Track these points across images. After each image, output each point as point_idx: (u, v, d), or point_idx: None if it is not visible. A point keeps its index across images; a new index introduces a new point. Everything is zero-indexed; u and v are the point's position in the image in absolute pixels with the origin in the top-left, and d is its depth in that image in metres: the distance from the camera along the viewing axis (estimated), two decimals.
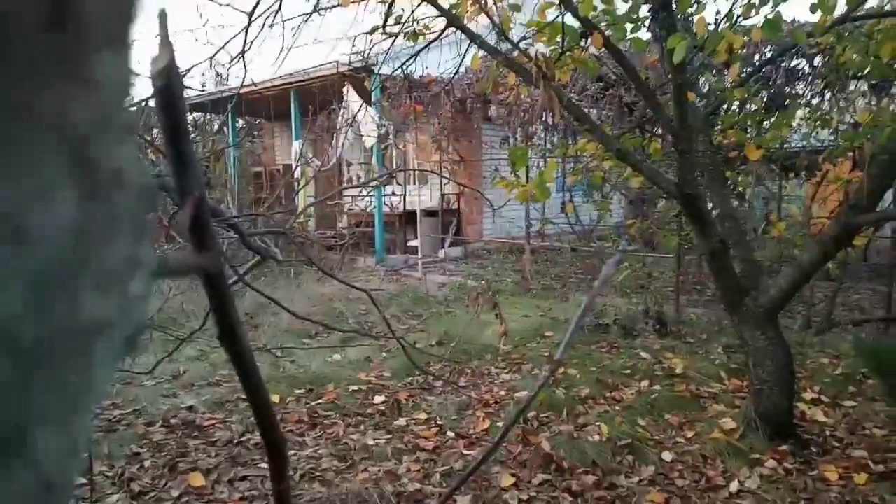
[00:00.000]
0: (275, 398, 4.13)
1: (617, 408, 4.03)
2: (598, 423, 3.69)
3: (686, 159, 3.39)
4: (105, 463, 3.26)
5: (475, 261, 10.67)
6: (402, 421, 3.79)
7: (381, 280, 8.63)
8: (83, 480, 3.08)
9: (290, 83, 10.30)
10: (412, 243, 9.64)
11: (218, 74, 14.23)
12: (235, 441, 3.53)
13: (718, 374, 4.62)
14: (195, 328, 2.25)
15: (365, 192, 10.44)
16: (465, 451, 3.35)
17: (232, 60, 3.20)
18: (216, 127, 15.15)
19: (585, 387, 4.32)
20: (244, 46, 3.07)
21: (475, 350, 5.25)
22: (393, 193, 10.92)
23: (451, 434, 3.60)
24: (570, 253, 9.95)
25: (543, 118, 9.83)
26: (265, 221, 8.90)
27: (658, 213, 7.46)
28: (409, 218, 10.75)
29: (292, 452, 3.36)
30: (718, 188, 3.85)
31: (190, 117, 14.71)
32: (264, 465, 3.21)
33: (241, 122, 14.85)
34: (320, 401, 4.10)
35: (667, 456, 3.38)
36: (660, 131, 4.75)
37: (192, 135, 15.21)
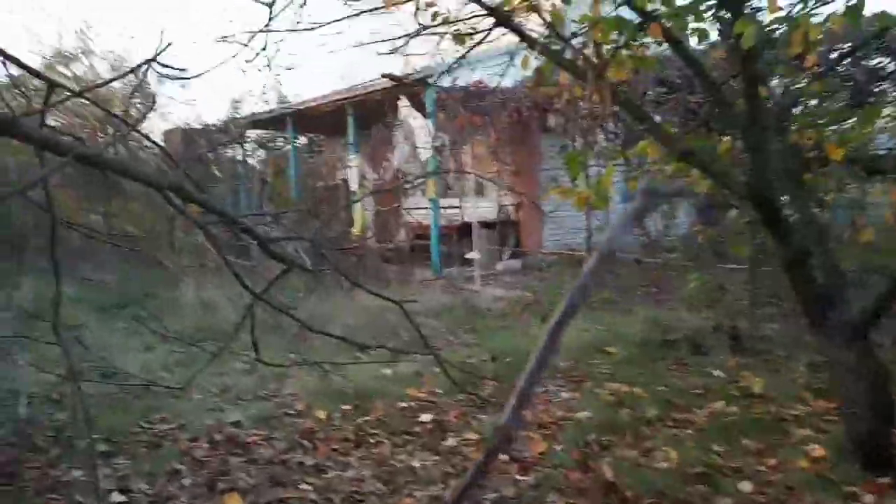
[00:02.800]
0: (321, 414, 3.97)
1: (688, 431, 3.68)
2: (665, 448, 3.36)
3: (759, 159, 3.07)
4: (145, 480, 3.16)
5: (534, 273, 10.36)
6: (451, 441, 3.56)
7: (436, 291, 8.45)
8: (123, 498, 3.00)
9: (346, 98, 10.32)
10: (469, 255, 9.44)
11: (279, 92, 14.49)
12: (277, 459, 3.38)
13: (801, 394, 4.20)
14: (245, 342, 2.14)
15: (422, 204, 10.32)
16: (519, 477, 3.09)
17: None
18: (277, 143, 15.43)
19: (652, 407, 3.99)
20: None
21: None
22: (450, 206, 10.76)
23: (503, 457, 3.34)
24: (634, 265, 9.53)
25: (603, 125, 9.49)
26: (320, 234, 8.89)
27: (729, 220, 7.01)
28: (466, 230, 10.55)
29: (335, 473, 3.18)
30: (796, 191, 3.49)
31: (253, 134, 15.04)
32: (304, 487, 3.05)
33: (301, 139, 15.06)
34: (367, 418, 3.92)
35: (746, 486, 3.02)
36: (728, 131, 4.40)
37: (254, 152, 15.52)
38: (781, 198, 3.31)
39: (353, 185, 10.42)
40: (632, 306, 7.31)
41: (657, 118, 9.10)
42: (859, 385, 3.13)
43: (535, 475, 3.12)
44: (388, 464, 3.28)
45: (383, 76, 8.78)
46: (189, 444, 3.59)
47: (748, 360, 5.04)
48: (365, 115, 10.86)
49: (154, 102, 16.06)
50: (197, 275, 7.93)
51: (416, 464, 3.25)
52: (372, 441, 3.58)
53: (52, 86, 1.53)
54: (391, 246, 10.51)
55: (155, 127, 15.99)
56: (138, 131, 2.77)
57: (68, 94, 1.79)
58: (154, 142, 2.96)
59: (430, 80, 8.88)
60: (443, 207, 10.22)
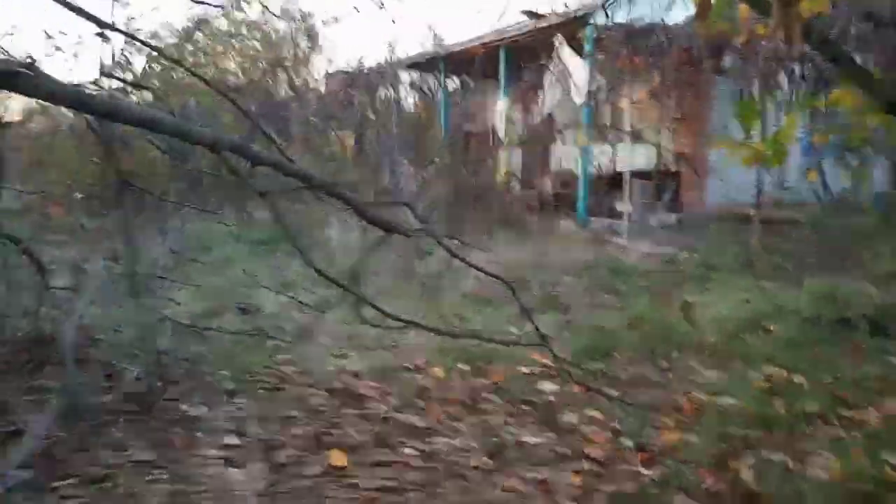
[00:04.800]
0: (439, 372, 3.84)
1: (855, 434, 3.11)
2: (825, 453, 2.85)
3: None
4: (260, 424, 3.21)
5: (693, 231, 9.53)
6: (570, 417, 3.27)
7: (579, 245, 8.01)
8: (237, 441, 3.06)
9: (501, 39, 9.90)
10: (619, 207, 8.84)
11: (434, 34, 14.31)
12: (388, 417, 3.29)
13: None
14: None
15: (572, 152, 9.79)
16: (643, 471, 2.75)
17: None
18: (431, 86, 15.37)
19: (813, 400, 3.42)
20: None
21: (676, 337, 4.50)
22: (602, 154, 10.10)
23: (627, 443, 3.01)
24: (810, 227, 8.43)
25: (788, 67, 8.32)
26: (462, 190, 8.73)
27: None
28: (619, 180, 9.89)
29: (443, 440, 3.03)
30: None
31: (407, 77, 15.08)
32: (409, 451, 2.93)
33: (454, 82, 14.87)
34: (485, 381, 3.73)
35: None
36: None
37: (407, 95, 15.61)
38: None
39: (500, 131, 10.08)
40: (805, 276, 6.44)
41: (859, 60, 7.81)
42: None
43: (661, 469, 2.77)
44: (499, 435, 3.07)
45: (522, 13, 8.25)
46: (308, 391, 3.61)
47: None
48: (518, 57, 10.39)
49: (317, 44, 16.61)
50: (342, 217, 8.11)
51: (529, 439, 3.01)
52: (486, 408, 3.39)
53: None
54: (536, 194, 10.13)
55: (319, 69, 16.56)
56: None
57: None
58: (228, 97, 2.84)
59: (589, 18, 8.24)
60: (595, 155, 9.61)
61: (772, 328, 4.76)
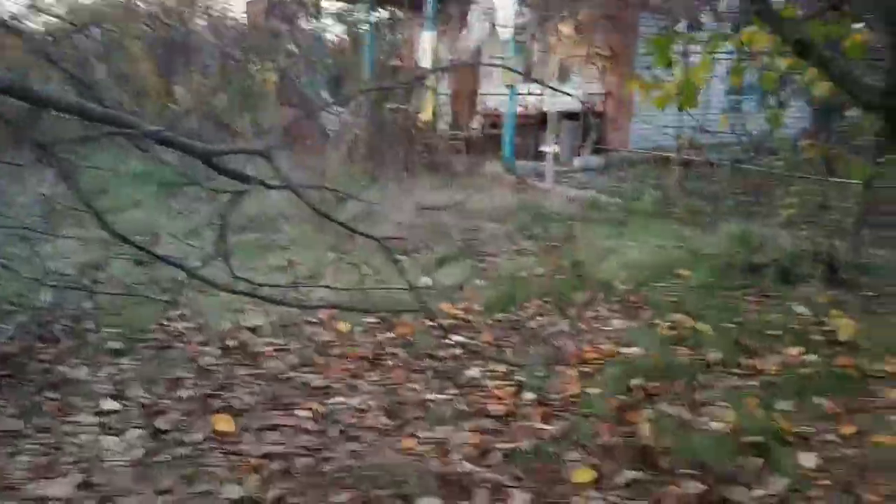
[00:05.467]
0: (342, 326, 3.68)
1: (753, 382, 3.15)
2: (722, 404, 2.86)
3: None
4: (145, 387, 2.99)
5: (616, 172, 9.56)
6: (474, 371, 3.18)
7: (504, 188, 7.89)
8: (116, 405, 2.84)
9: None
10: (543, 148, 8.73)
11: None
12: (284, 376, 3.12)
13: None
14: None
15: (499, 90, 9.54)
16: (540, 425, 2.70)
17: None
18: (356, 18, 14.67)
19: (716, 349, 3.45)
20: None
21: (588, 286, 4.47)
22: (529, 92, 9.89)
23: (529, 396, 2.95)
24: (729, 169, 8.55)
25: (714, 4, 8.22)
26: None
27: (846, 127, 5.98)
28: (546, 120, 9.75)
29: (340, 400, 2.90)
30: None
31: (331, 8, 14.32)
32: (303, 413, 2.78)
33: (380, 13, 14.21)
34: (391, 334, 3.60)
35: (808, 461, 2.50)
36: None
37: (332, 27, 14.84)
38: None
39: (426, 66, 9.70)
40: (721, 219, 6.53)
41: None
42: None
43: (560, 424, 2.72)
44: (400, 393, 2.95)
45: None
46: (199, 349, 3.40)
47: (843, 297, 4.34)
48: None
49: None
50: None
51: (431, 396, 2.91)
52: (389, 363, 3.26)
53: None
54: (463, 134, 9.90)
55: None
56: None
57: None
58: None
59: None
60: (521, 94, 9.40)
61: (685, 274, 4.78)
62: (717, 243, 5.58)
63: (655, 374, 3.16)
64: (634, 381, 3.06)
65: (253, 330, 3.64)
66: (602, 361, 3.33)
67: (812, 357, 3.37)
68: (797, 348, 3.47)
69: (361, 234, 2.18)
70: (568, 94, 5.96)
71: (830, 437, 2.68)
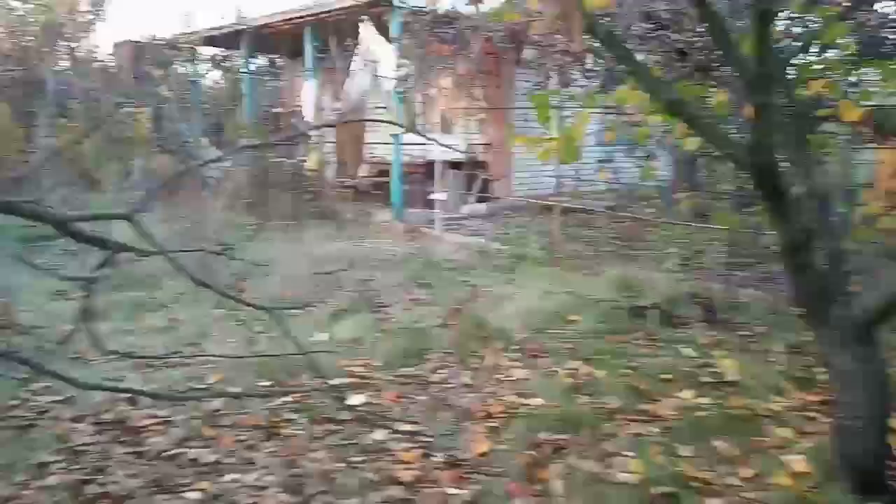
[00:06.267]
0: (234, 390, 3.42)
1: (653, 428, 3.21)
2: (627, 454, 2.89)
3: (765, 116, 2.48)
4: (1, 476, 2.60)
5: (501, 220, 9.79)
6: (379, 434, 3.03)
7: (394, 236, 7.84)
8: None
9: (305, 17, 9.37)
10: (433, 197, 8.80)
11: (237, 8, 13.31)
12: (170, 453, 2.83)
13: (780, 384, 3.76)
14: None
15: (386, 140, 9.55)
16: (452, 490, 2.59)
17: None
18: (235, 64, 14.33)
19: (614, 396, 3.51)
20: None
21: (486, 334, 4.45)
22: (415, 143, 9.99)
23: (438, 458, 2.84)
24: (606, 216, 8.99)
25: (583, 62, 8.70)
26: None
27: (712, 176, 6.45)
28: (432, 169, 9.86)
29: (234, 477, 2.65)
30: (802, 157, 2.92)
31: (208, 53, 13.91)
32: (192, 495, 2.51)
33: (258, 60, 13.99)
34: (286, 398, 3.38)
35: None
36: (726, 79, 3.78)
37: (208, 72, 14.40)
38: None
39: (309, 114, 9.59)
40: (601, 264, 6.80)
41: (641, 58, 8.36)
42: (858, 394, 2.66)
43: (472, 487, 2.63)
44: (300, 465, 2.75)
45: None
46: (69, 426, 3.03)
47: (723, 337, 4.60)
48: (325, 37, 9.94)
49: (102, 10, 14.74)
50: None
51: (334, 466, 2.72)
52: (287, 432, 3.04)
53: None
54: (350, 183, 9.80)
55: (106, 39, 14.74)
56: None
57: None
58: None
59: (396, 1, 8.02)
60: (407, 144, 9.48)
61: (575, 319, 4.89)
62: (601, 287, 5.78)
63: (560, 425, 3.15)
64: (542, 435, 3.04)
65: (132, 400, 3.29)
66: (507, 415, 3.29)
67: (705, 399, 3.50)
68: (690, 392, 3.60)
69: (243, 301, 2.01)
70: (446, 146, 6.01)
71: (732, 480, 2.76)
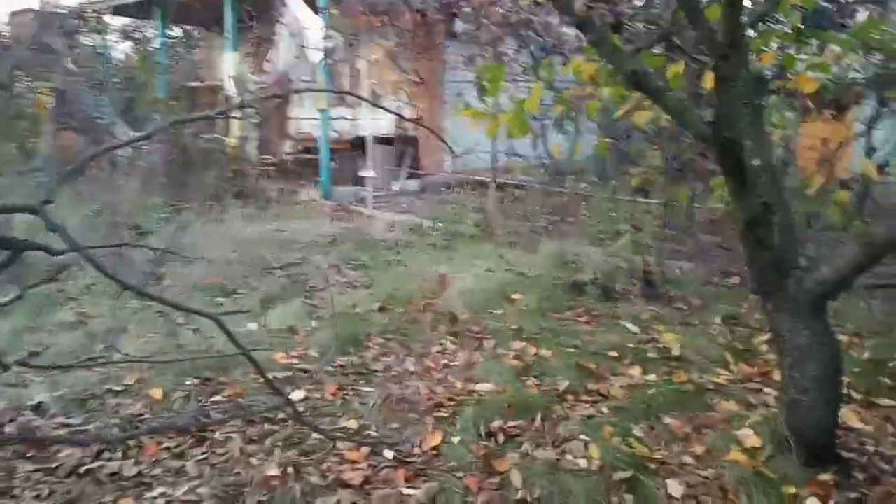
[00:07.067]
0: (156, 393, 3.11)
1: (604, 409, 3.13)
2: (583, 439, 2.79)
3: (730, 90, 2.39)
4: None
5: (434, 196, 9.60)
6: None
7: (324, 215, 7.53)
8: None
9: None
10: (363, 174, 8.51)
11: None
12: (84, 469, 2.53)
13: (723, 355, 3.77)
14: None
15: (311, 114, 9.16)
16: (406, 490, 2.42)
17: None
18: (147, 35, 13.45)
19: (563, 376, 3.41)
20: None
21: (427, 317, 4.28)
22: (343, 118, 9.64)
23: (388, 455, 2.66)
24: (538, 191, 8.94)
25: (521, 33, 8.52)
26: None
27: (642, 150, 6.44)
28: (361, 145, 9.54)
29: (161, 491, 2.39)
30: (758, 131, 2.85)
31: (117, 23, 13.00)
32: None
33: (176, 31, 13.18)
34: (217, 397, 3.11)
35: (676, 489, 2.50)
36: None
37: (118, 43, 13.48)
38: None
39: (230, 88, 9.07)
40: (537, 240, 6.72)
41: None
42: (810, 368, 2.64)
43: (427, 484, 2.46)
44: (236, 472, 2.51)
45: None
46: None
47: (663, 311, 4.60)
48: (248, 6, 9.39)
49: None
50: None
51: (274, 472, 2.50)
52: (220, 436, 2.78)
53: None
54: (274, 160, 9.36)
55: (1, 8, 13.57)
56: None
57: None
58: None
59: None
60: (334, 118, 9.12)
61: (516, 298, 4.79)
62: (540, 264, 5.70)
63: (512, 411, 3.03)
64: (494, 424, 2.90)
65: (37, 407, 2.95)
66: (457, 403, 3.14)
67: (652, 376, 3.46)
68: (637, 369, 3.55)
69: (167, 303, 1.76)
70: (390, 111, 5.77)
71: (687, 458, 2.71)
